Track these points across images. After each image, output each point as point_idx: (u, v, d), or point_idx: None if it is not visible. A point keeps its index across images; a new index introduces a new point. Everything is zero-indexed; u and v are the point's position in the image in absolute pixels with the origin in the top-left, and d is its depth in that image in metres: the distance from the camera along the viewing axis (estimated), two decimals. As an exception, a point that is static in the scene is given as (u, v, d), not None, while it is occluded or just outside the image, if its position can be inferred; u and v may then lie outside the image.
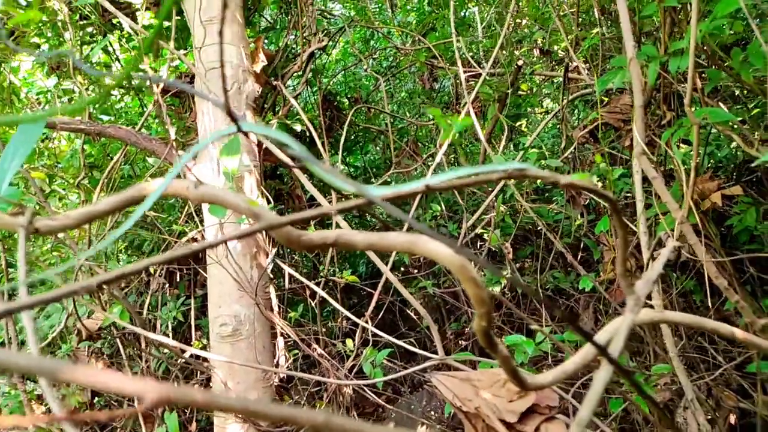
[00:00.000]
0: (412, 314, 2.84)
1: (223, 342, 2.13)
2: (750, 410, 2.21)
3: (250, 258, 2.19)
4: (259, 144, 2.48)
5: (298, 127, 2.62)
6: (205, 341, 2.82)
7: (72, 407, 2.90)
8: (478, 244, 3.58)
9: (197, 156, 2.21)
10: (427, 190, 0.48)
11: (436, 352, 1.82)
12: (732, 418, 2.49)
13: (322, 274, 2.50)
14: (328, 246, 0.54)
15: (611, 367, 0.48)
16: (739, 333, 0.84)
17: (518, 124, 4.26)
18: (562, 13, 2.99)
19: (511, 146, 3.69)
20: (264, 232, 2.34)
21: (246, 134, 2.05)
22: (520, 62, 2.72)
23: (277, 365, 2.69)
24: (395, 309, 3.51)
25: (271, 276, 2.68)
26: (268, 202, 2.52)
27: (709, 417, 2.18)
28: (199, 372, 2.56)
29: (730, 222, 2.17)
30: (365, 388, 2.23)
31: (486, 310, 0.59)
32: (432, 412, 3.96)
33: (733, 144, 2.95)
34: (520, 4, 3.44)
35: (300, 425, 0.34)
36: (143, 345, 2.72)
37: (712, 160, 3.04)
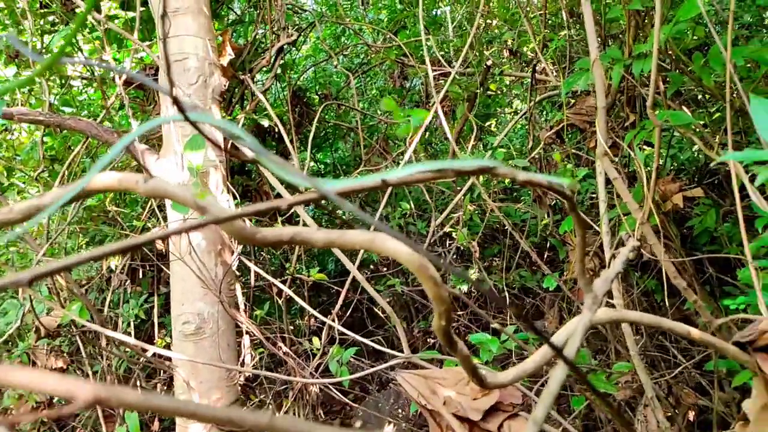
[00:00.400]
0: (380, 312, 2.83)
1: (185, 340, 2.08)
2: (708, 407, 2.27)
3: (214, 255, 2.15)
4: (226, 139, 2.43)
5: (266, 123, 2.58)
6: (168, 339, 2.76)
7: (30, 407, 2.81)
8: (447, 242, 3.60)
9: (161, 150, 2.16)
10: (383, 185, 0.47)
11: (402, 351, 1.82)
12: (691, 415, 2.56)
13: (288, 271, 2.47)
14: (283, 243, 0.53)
15: (567, 367, 0.48)
16: (694, 332, 0.86)
17: (488, 124, 4.29)
18: (531, 15, 3.02)
19: (480, 146, 3.71)
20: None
21: (195, 125, 2.01)
22: (489, 62, 2.73)
23: (242, 364, 2.65)
24: (363, 307, 3.50)
25: (238, 273, 2.64)
26: (235, 198, 2.48)
27: (669, 414, 2.23)
28: (161, 371, 2.50)
29: (691, 223, 2.23)
30: (331, 386, 2.21)
31: (445, 308, 0.59)
32: (399, 411, 3.97)
33: (695, 147, 3.02)
34: (491, 4, 3.46)
35: (243, 427, 0.32)
36: (104, 343, 2.65)
37: (674, 163, 3.11)
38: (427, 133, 4.73)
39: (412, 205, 3.34)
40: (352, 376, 1.59)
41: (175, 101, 0.39)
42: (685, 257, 1.84)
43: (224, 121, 0.48)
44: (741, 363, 0.90)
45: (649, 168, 1.34)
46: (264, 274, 2.11)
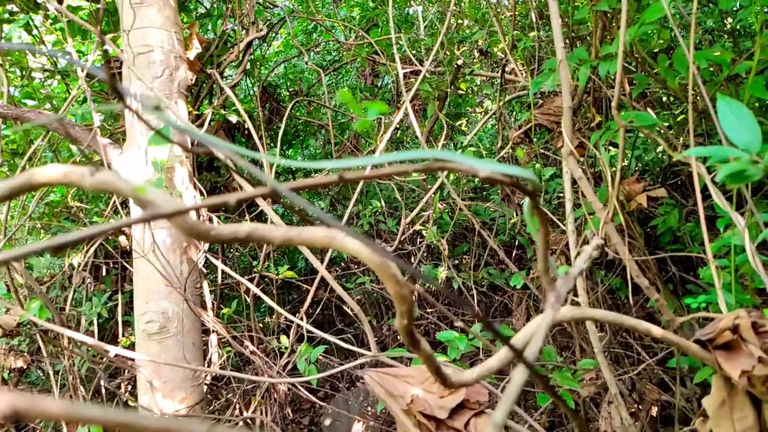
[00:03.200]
0: (349, 311, 2.82)
1: (149, 339, 2.03)
2: (670, 403, 2.33)
3: (179, 252, 2.10)
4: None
5: (234, 118, 2.54)
6: (133, 338, 2.70)
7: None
8: (417, 240, 3.60)
9: (125, 144, 2.10)
10: (340, 180, 0.46)
11: (371, 349, 1.81)
12: (654, 411, 2.62)
13: (256, 269, 2.43)
14: (239, 240, 0.51)
15: (525, 371, 0.48)
16: (656, 330, 0.87)
17: (458, 123, 4.31)
18: (501, 16, 3.04)
19: (451, 145, 3.73)
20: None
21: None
22: (459, 62, 2.74)
23: (209, 363, 2.61)
24: (333, 305, 3.48)
25: (205, 271, 2.59)
26: (202, 195, 2.44)
27: (632, 411, 2.27)
28: (125, 371, 2.44)
29: (654, 223, 2.27)
30: (298, 385, 2.19)
31: (407, 307, 0.58)
32: (368, 408, 3.96)
33: (659, 148, 3.09)
34: (462, 4, 3.48)
35: None
36: (66, 342, 2.57)
37: (639, 164, 3.17)
38: (398, 132, 4.74)
39: (383, 203, 3.33)
40: (320, 375, 1.58)
41: (114, 88, 0.37)
42: (649, 256, 1.87)
43: (178, 122, 0.46)
44: (701, 360, 0.92)
45: (614, 168, 1.36)
46: (230, 273, 2.07)
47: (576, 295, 1.57)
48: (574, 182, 1.60)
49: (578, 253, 1.37)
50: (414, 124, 2.11)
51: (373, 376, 1.62)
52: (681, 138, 1.71)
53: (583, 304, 1.46)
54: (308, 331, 2.06)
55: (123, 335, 2.76)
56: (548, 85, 1.49)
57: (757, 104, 1.96)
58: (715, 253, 1.40)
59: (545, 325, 0.61)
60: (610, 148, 2.37)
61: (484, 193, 3.86)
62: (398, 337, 3.62)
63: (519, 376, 0.49)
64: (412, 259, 3.49)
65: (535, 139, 2.17)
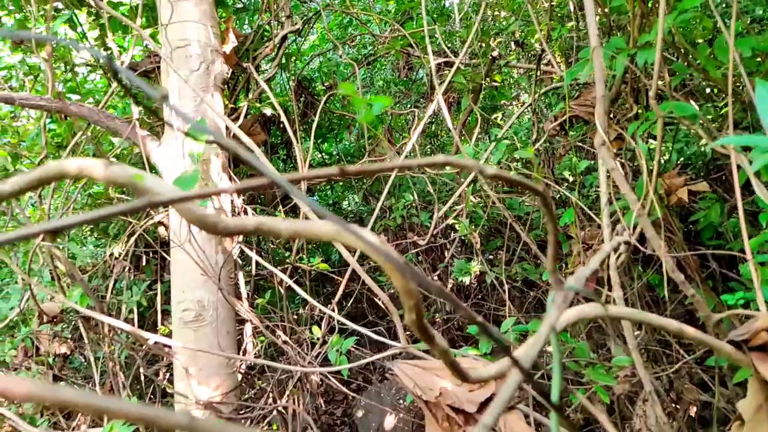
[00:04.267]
0: (381, 304, 2.83)
1: (185, 327, 2.09)
2: (709, 403, 2.26)
3: (215, 243, 2.15)
4: (228, 127, 2.43)
5: (269, 111, 2.57)
6: (171, 327, 2.78)
7: None
8: (450, 234, 3.58)
9: (162, 137, 2.15)
10: (340, 174, 0.45)
11: (401, 341, 1.81)
12: (692, 411, 2.54)
13: (288, 260, 2.46)
14: (247, 233, 0.52)
15: (518, 375, 0.47)
16: (688, 330, 0.84)
17: (494, 116, 4.26)
18: (537, 6, 2.99)
19: (486, 138, 3.69)
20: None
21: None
22: (495, 53, 2.70)
23: (244, 352, 2.66)
24: (364, 298, 3.50)
25: (241, 262, 2.64)
26: (238, 193, 2.48)
27: (669, 410, 2.22)
28: (162, 357, 2.52)
29: (695, 218, 2.20)
30: (331, 376, 2.21)
31: (414, 302, 0.57)
32: (400, 401, 3.98)
33: (702, 141, 2.99)
34: (499, -6, 3.43)
35: (162, 427, 0.31)
36: (106, 330, 2.66)
37: (681, 157, 3.08)
38: (433, 126, 4.71)
39: (416, 197, 3.32)
40: (350, 365, 1.59)
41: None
42: (688, 252, 1.81)
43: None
44: (736, 362, 0.88)
45: (652, 161, 1.32)
46: (264, 263, 2.10)
47: (610, 290, 1.53)
48: (609, 175, 1.56)
49: (613, 249, 1.34)
50: (446, 116, 2.10)
51: (403, 368, 1.63)
52: (723, 130, 1.65)
53: (618, 300, 1.42)
54: (340, 323, 2.08)
55: (162, 323, 2.84)
56: (584, 74, 1.46)
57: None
58: (756, 249, 1.34)
59: (548, 326, 0.60)
60: (650, 140, 2.31)
61: (519, 187, 3.80)
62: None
63: (512, 381, 0.49)
64: (445, 253, 3.47)
65: (571, 132, 2.12)
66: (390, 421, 3.99)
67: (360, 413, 4.16)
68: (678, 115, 1.37)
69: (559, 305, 0.61)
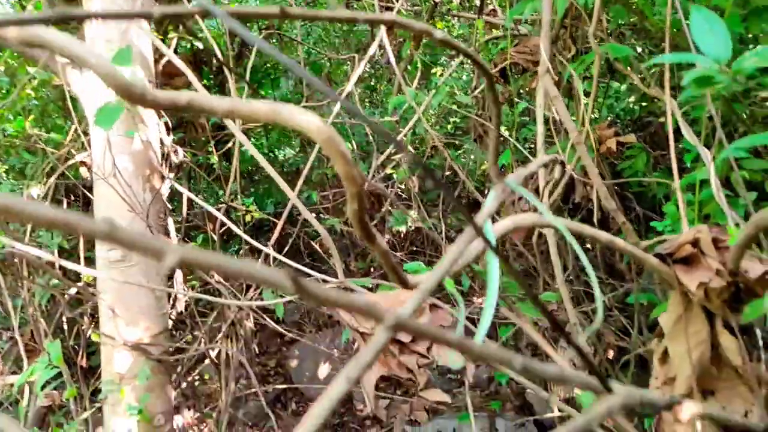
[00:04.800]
0: (318, 248, 2.82)
1: (111, 268, 2.00)
2: (627, 348, 2.41)
3: (142, 180, 2.04)
4: (156, 61, 2.29)
5: (201, 45, 2.44)
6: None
7: None
8: (388, 186, 3.59)
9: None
10: (281, 15, 0.42)
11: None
12: (610, 353, 2.71)
13: (223, 199, 2.39)
14: (179, 108, 0.48)
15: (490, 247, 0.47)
16: (618, 241, 0.88)
17: (433, 72, 4.25)
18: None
19: (425, 89, 3.68)
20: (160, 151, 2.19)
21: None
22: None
23: (174, 298, 2.59)
24: (301, 244, 3.47)
25: (169, 207, 2.54)
26: (168, 129, 2.36)
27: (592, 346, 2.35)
28: (87, 300, 2.41)
29: (622, 166, 2.30)
30: (267, 318, 2.20)
31: (357, 190, 0.55)
32: (335, 351, 4.02)
33: (631, 98, 3.11)
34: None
35: (83, 234, 0.28)
36: (25, 272, 2.51)
37: (611, 114, 3.20)
38: (372, 80, 4.65)
39: (355, 146, 3.29)
40: (285, 299, 1.57)
41: None
42: (615, 196, 1.90)
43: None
44: (661, 275, 0.93)
45: (587, 101, 1.35)
46: (197, 200, 2.02)
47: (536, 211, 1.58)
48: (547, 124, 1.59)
49: (547, 183, 1.38)
50: (390, 54, 2.06)
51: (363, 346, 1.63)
52: (654, 79, 1.71)
53: (547, 232, 1.47)
54: (276, 262, 2.04)
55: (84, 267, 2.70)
56: (527, 12, 1.46)
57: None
58: (684, 189, 1.41)
59: (485, 215, 0.60)
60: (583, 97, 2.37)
61: (456, 141, 3.84)
62: (367, 273, 3.65)
63: (467, 239, 0.48)
64: (383, 203, 3.48)
65: (511, 81, 2.15)
66: (324, 369, 4.03)
67: (294, 363, 4.18)
68: (613, 56, 1.40)
69: (498, 196, 0.61)
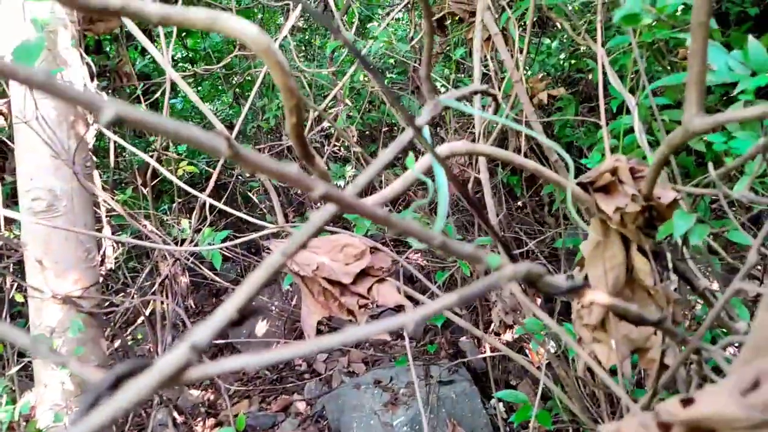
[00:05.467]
0: (254, 197, 2.79)
1: (37, 217, 1.91)
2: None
3: (66, 126, 1.94)
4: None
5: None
6: (18, 232, 2.52)
7: None
8: (324, 145, 3.57)
9: (-4, -1, 1.86)
10: None
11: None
12: (538, 301, 2.87)
13: (152, 147, 2.31)
14: (110, 13, 0.46)
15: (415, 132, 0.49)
16: (544, 170, 0.93)
17: (370, 25, 4.21)
18: None
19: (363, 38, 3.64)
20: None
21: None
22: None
23: (103, 257, 2.50)
24: (237, 191, 3.41)
25: (96, 161, 2.43)
26: (91, 75, 2.23)
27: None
28: (9, 255, 2.29)
29: (553, 117, 2.39)
30: (203, 269, 2.17)
31: (295, 103, 0.55)
32: (272, 308, 4.03)
33: (562, 54, 3.21)
34: None
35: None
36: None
37: (542, 70, 3.30)
38: (307, 33, 4.55)
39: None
40: (225, 244, 1.56)
41: None
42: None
43: None
44: (583, 203, 1.00)
45: (521, 46, 1.40)
46: (125, 144, 1.95)
47: (479, 172, 1.63)
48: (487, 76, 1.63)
49: (483, 131, 1.42)
50: (332, 5, 2.02)
51: (279, 246, 1.63)
52: (584, 27, 1.77)
53: (483, 178, 1.53)
54: (213, 212, 2.02)
55: (5, 226, 2.56)
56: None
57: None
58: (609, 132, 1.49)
59: (423, 118, 0.62)
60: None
61: (395, 94, 3.84)
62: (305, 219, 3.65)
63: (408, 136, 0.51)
64: (322, 156, 3.46)
65: (448, 27, 2.16)
66: (262, 327, 4.04)
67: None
68: (547, 3, 1.44)
69: (430, 111, 0.63)
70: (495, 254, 1.98)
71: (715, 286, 1.68)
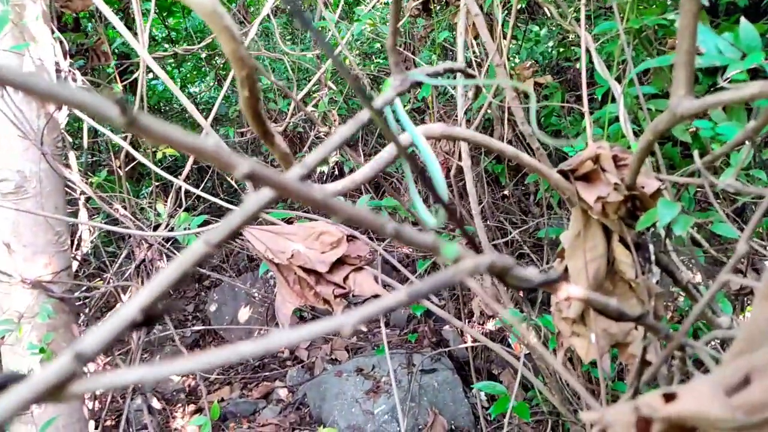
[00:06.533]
0: (232, 181, 2.73)
1: (4, 200, 1.84)
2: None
3: (36, 105, 1.87)
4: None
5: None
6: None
7: None
8: (307, 130, 3.51)
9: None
10: None
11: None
12: (520, 293, 2.84)
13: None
14: None
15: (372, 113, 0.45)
16: (524, 156, 0.89)
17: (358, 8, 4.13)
18: None
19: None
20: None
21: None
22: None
23: (79, 240, 2.44)
24: (214, 177, 3.35)
25: (70, 140, 2.35)
26: (64, 53, 2.15)
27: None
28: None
29: (540, 105, 2.36)
30: (178, 252, 2.11)
31: (247, 72, 0.49)
32: (255, 294, 3.98)
33: (550, 42, 3.17)
34: None
35: None
36: None
37: (530, 57, 3.25)
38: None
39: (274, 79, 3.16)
40: (200, 230, 1.51)
41: None
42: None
43: None
44: (564, 191, 0.96)
45: (506, 31, 1.35)
46: (100, 128, 1.88)
47: (460, 159, 1.59)
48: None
49: (466, 110, 1.37)
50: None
51: (254, 233, 1.58)
52: (573, 16, 1.73)
53: (465, 165, 1.49)
54: (188, 196, 1.96)
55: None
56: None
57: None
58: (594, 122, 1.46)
59: (389, 94, 0.58)
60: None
61: (379, 85, 3.79)
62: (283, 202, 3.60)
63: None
64: (304, 143, 3.40)
65: (434, 14, 2.11)
66: (244, 313, 4.00)
67: (213, 307, 4.11)
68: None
69: (396, 87, 0.59)
70: (457, 243, 1.95)
71: (698, 278, 1.66)
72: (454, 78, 0.99)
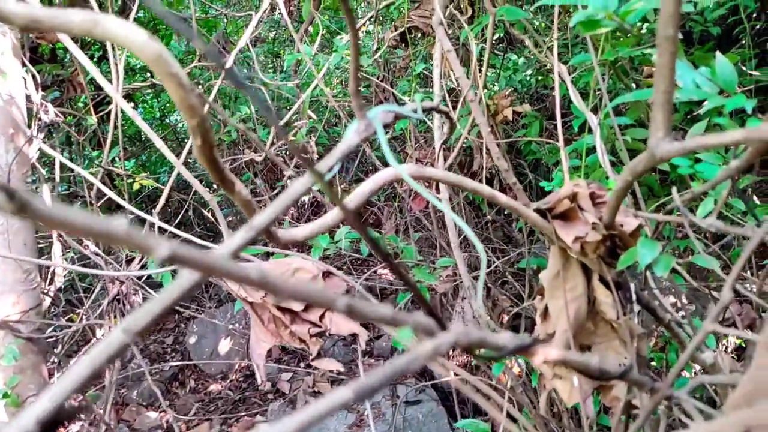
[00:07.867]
0: (210, 215, 2.68)
1: (-32, 238, 1.78)
2: (520, 312, 2.51)
3: (5, 139, 1.82)
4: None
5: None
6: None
7: None
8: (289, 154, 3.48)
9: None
10: None
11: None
12: (505, 318, 2.81)
13: (98, 162, 2.19)
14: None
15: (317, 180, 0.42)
16: (500, 196, 0.86)
17: (339, 37, 4.15)
18: None
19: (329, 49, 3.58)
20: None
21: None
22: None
23: (52, 275, 2.36)
24: (192, 215, 3.30)
25: (44, 173, 2.30)
26: (36, 85, 2.11)
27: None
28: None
29: (517, 134, 2.36)
30: (152, 292, 2.05)
31: (198, 121, 0.46)
32: (235, 326, 3.91)
33: (528, 71, 3.19)
34: None
35: None
36: None
37: (509, 86, 3.27)
38: (275, 42, 4.48)
39: (253, 111, 3.14)
40: (171, 268, 1.46)
41: None
42: (510, 163, 1.93)
43: None
44: (541, 230, 0.94)
45: (482, 59, 1.34)
46: (67, 162, 1.83)
47: (439, 191, 1.57)
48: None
49: (442, 146, 1.36)
50: (283, 10, 1.95)
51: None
52: (548, 46, 1.74)
53: (443, 197, 1.46)
54: (162, 231, 1.91)
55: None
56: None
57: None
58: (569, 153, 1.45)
59: (350, 139, 0.55)
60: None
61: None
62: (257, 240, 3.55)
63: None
64: (284, 172, 3.37)
65: (410, 41, 2.11)
66: (225, 345, 3.91)
67: (192, 339, 4.01)
68: (507, 18, 1.39)
69: (359, 131, 0.56)
70: (421, 314, 1.92)
71: (682, 300, 1.64)
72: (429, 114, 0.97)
